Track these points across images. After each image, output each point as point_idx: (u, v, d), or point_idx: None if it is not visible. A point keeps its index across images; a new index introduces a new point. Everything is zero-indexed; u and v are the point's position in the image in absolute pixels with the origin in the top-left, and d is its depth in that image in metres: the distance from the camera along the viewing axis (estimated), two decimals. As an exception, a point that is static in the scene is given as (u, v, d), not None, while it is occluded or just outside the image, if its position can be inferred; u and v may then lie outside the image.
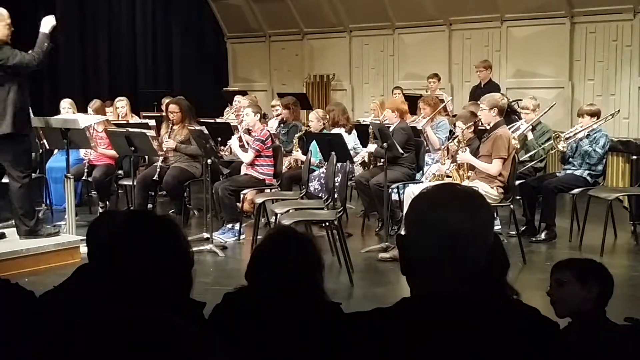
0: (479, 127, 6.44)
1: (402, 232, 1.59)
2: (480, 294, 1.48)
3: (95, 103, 8.51)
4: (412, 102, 8.41)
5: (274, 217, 6.16)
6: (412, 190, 6.18)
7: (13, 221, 6.17)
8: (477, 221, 1.50)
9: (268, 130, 7.30)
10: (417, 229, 1.53)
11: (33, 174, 6.52)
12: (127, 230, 1.70)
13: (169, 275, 1.61)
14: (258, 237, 6.09)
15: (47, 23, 5.89)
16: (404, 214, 6.27)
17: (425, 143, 7.42)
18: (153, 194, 7.88)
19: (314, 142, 7.25)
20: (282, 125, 8.60)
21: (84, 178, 7.79)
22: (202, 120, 7.79)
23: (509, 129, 6.68)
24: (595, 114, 6.86)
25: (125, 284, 1.59)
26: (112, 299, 1.59)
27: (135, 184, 7.14)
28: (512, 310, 1.52)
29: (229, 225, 6.95)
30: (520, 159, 6.97)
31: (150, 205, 7.69)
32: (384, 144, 6.53)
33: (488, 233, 1.54)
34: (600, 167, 6.73)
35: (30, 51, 5.75)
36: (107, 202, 7.97)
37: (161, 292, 1.58)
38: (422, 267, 1.52)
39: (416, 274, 1.54)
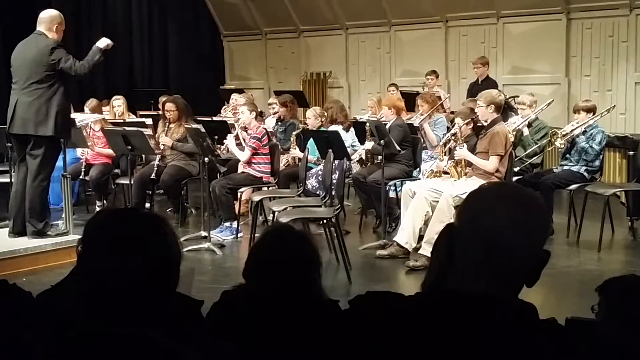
0: (477, 124, 6.44)
1: (454, 222, 1.54)
2: (513, 300, 1.45)
3: (92, 102, 8.50)
4: (409, 99, 8.41)
5: (271, 215, 6.16)
6: (409, 187, 6.18)
7: (8, 221, 6.13)
8: (529, 230, 1.44)
9: (264, 128, 7.29)
10: (469, 224, 1.48)
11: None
12: (92, 229, 1.68)
13: (136, 275, 1.57)
14: (256, 235, 6.10)
15: (104, 42, 6.05)
16: (401, 211, 6.27)
17: (422, 140, 7.41)
18: (150, 192, 7.87)
19: (311, 140, 7.25)
20: (279, 123, 8.60)
21: (81, 177, 7.78)
22: (198, 118, 7.79)
23: (506, 125, 6.68)
24: (591, 110, 6.87)
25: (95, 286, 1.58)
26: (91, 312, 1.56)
27: (132, 182, 7.13)
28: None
29: (227, 224, 6.94)
30: (516, 155, 6.98)
31: (147, 204, 7.69)
32: (381, 141, 6.54)
33: (538, 244, 1.47)
34: (597, 163, 6.74)
35: (75, 60, 5.80)
36: (105, 201, 7.96)
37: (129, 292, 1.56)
38: (461, 262, 1.48)
39: (454, 266, 1.49)
